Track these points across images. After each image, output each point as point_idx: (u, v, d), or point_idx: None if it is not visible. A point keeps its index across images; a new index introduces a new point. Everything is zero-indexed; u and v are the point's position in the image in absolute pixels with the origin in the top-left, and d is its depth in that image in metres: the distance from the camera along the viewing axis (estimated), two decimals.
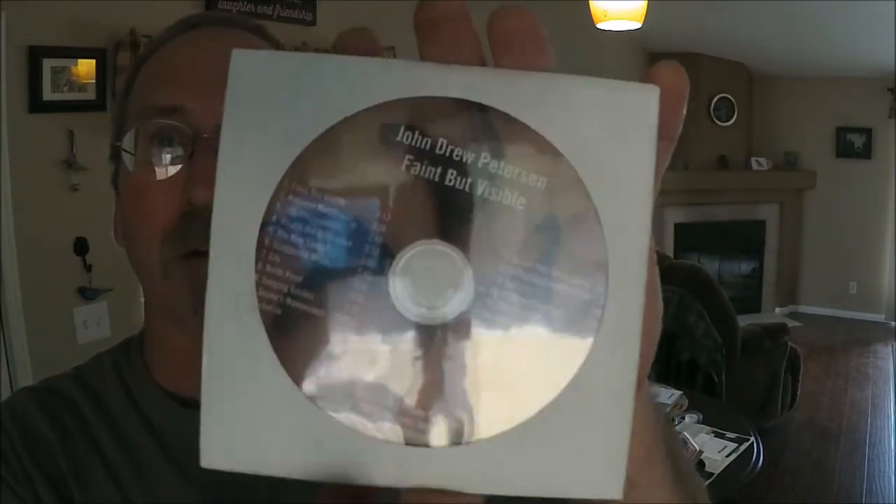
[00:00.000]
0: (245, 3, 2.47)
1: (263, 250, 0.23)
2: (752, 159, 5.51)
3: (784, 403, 3.66)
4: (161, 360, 0.55)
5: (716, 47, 4.93)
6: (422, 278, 0.23)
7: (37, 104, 1.94)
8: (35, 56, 1.91)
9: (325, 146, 0.23)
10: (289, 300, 0.23)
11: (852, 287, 5.63)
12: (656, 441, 0.31)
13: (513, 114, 0.23)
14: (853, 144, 5.47)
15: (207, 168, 0.47)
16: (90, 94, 2.04)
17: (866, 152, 5.43)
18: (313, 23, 2.74)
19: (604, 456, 0.23)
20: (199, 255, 0.48)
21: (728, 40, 4.65)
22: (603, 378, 0.23)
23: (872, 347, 5.06)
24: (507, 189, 0.23)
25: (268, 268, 0.23)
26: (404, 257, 0.23)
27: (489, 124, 0.23)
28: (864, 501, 3.20)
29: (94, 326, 2.05)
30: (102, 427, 0.53)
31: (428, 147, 0.23)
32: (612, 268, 0.23)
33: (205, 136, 0.48)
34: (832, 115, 5.43)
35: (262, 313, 0.23)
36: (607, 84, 0.23)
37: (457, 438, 0.23)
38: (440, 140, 0.23)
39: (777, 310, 5.69)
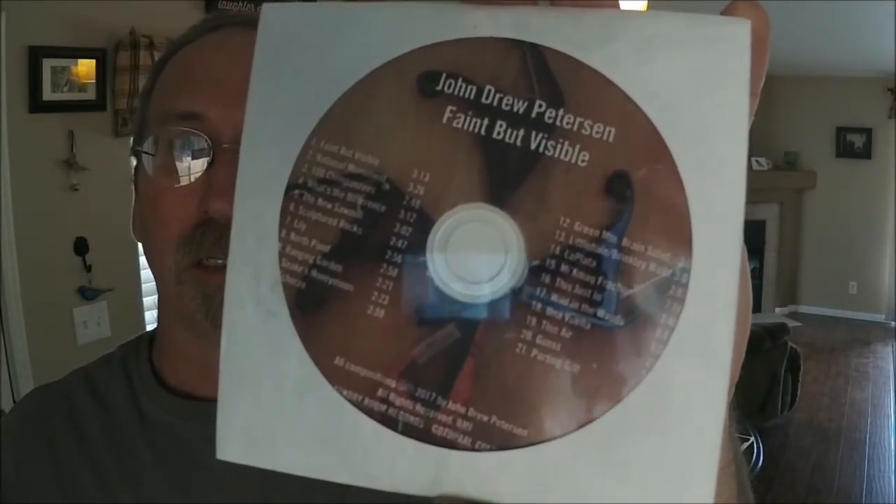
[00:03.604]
0: (245, 3, 2.47)
1: (288, 216, 0.20)
2: (752, 159, 5.50)
3: (784, 403, 3.66)
4: (169, 358, 0.55)
5: None
6: (465, 248, 0.20)
7: (37, 104, 1.92)
8: (35, 56, 1.90)
9: (357, 100, 0.20)
10: (314, 272, 0.20)
11: (852, 287, 5.63)
12: (730, 457, 0.27)
13: (573, 54, 0.19)
14: (853, 144, 5.46)
15: (225, 179, 0.45)
16: (90, 94, 2.02)
17: (866, 152, 5.42)
18: None
19: (689, 459, 0.19)
20: (213, 264, 0.48)
21: None
22: (688, 374, 0.19)
23: (872, 347, 5.05)
24: (567, 142, 0.19)
25: (292, 236, 0.20)
26: (445, 223, 0.20)
27: (545, 67, 0.19)
28: (864, 501, 3.19)
29: (94, 326, 2.05)
30: (98, 425, 0.53)
31: (473, 96, 0.20)
32: (696, 237, 0.19)
33: (224, 145, 0.47)
34: (832, 115, 5.43)
35: (285, 287, 0.20)
36: (687, 18, 0.19)
37: (504, 442, 0.19)
38: (487, 87, 0.20)
39: (777, 310, 5.68)
